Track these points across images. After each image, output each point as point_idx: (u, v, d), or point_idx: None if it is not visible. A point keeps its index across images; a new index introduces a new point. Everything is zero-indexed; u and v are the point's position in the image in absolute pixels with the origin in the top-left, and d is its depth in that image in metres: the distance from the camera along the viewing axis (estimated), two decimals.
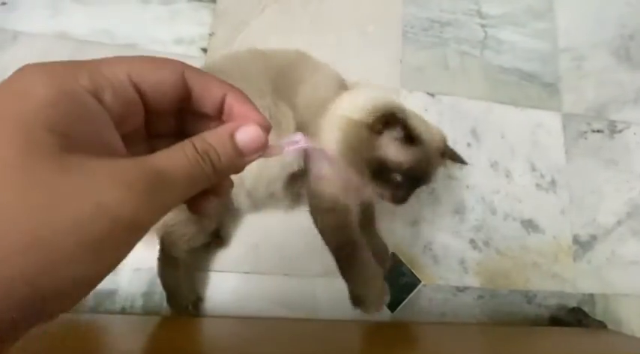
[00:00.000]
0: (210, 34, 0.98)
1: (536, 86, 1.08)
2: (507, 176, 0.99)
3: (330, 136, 0.66)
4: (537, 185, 1.00)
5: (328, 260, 0.86)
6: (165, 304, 0.79)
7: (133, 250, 0.22)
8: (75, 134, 0.21)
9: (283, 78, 0.74)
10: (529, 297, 0.92)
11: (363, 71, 1.01)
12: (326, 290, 0.86)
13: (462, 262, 0.92)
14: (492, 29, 1.12)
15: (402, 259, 0.89)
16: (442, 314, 0.88)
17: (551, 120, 1.06)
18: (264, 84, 0.73)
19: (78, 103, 0.22)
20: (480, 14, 1.13)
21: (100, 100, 0.23)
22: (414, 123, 0.63)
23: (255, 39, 0.99)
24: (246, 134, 0.25)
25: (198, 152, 0.24)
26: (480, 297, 0.90)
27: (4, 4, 0.92)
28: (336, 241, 0.70)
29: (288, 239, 0.88)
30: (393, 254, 0.90)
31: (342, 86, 0.78)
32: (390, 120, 0.61)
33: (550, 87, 1.09)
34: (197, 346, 0.69)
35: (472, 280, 0.91)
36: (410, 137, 0.62)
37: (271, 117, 0.72)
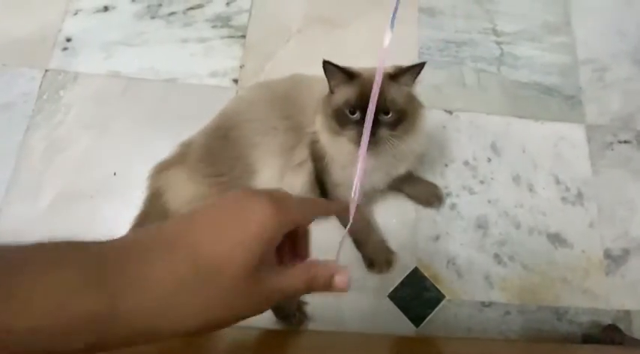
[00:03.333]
0: (241, 66, 0.91)
1: (557, 99, 0.92)
2: (530, 190, 0.84)
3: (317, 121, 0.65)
4: (563, 198, 0.84)
5: (352, 276, 0.76)
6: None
7: None
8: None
9: (288, 104, 0.69)
10: (559, 313, 0.76)
11: None
12: (351, 304, 0.74)
13: (487, 277, 0.77)
14: (508, 46, 0.97)
15: (425, 274, 0.77)
16: (468, 330, 0.74)
17: (574, 132, 0.89)
18: (276, 119, 0.68)
19: (281, 234, 0.26)
20: (495, 32, 0.98)
21: None
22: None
23: (281, 68, 0.90)
24: (342, 279, 0.29)
25: (310, 276, 0.28)
26: (507, 313, 0.76)
27: (65, 49, 0.90)
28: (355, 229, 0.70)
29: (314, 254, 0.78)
30: (416, 269, 0.77)
31: None
32: (327, 69, 0.58)
33: (571, 99, 0.92)
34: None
35: (498, 296, 0.76)
36: (348, 76, 0.59)
37: (282, 145, 0.67)
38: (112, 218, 0.76)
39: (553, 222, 0.81)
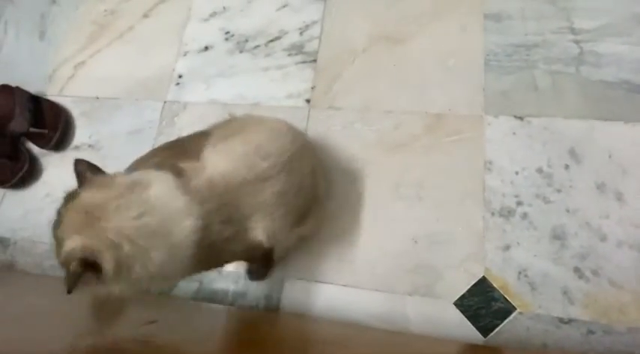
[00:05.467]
0: (312, 88, 0.92)
1: None
2: (619, 199, 0.69)
3: None
4: None
5: (416, 280, 0.71)
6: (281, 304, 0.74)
7: None
8: None
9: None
10: None
11: (446, 102, 0.83)
12: (416, 308, 0.70)
13: (566, 292, 0.66)
14: (589, 44, 0.81)
15: (494, 284, 0.68)
16: (544, 345, 0.64)
17: None
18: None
19: None
20: (572, 30, 0.83)
21: None
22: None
23: (348, 87, 0.89)
24: None
25: None
26: (591, 332, 0.63)
27: (178, 84, 1.02)
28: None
29: (379, 257, 0.75)
30: (484, 278, 0.69)
31: None
32: None
33: None
34: (299, 339, 0.61)
35: (579, 313, 0.64)
36: None
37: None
38: None
39: None
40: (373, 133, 0.84)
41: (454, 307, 0.68)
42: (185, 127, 0.96)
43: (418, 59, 0.88)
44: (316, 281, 0.76)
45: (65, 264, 0.40)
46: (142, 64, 1.05)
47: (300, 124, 0.86)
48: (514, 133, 0.78)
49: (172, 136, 0.95)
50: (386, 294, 0.72)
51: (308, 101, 0.90)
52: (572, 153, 0.74)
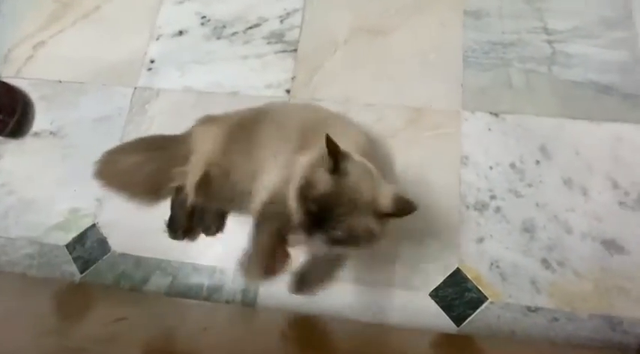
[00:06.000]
0: (293, 78, 0.89)
1: (615, 98, 0.78)
2: (584, 194, 0.73)
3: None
4: (621, 203, 0.71)
5: (394, 273, 0.72)
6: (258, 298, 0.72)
7: None
8: None
9: (314, 132, 0.60)
10: (613, 323, 0.65)
11: (425, 97, 0.84)
12: (393, 300, 0.71)
13: (534, 281, 0.69)
14: (560, 44, 0.84)
15: (468, 275, 0.70)
16: (512, 333, 0.67)
17: (634, 133, 0.75)
18: (296, 139, 0.63)
19: None
20: (546, 31, 0.86)
21: None
22: (348, 160, 0.49)
23: (328, 78, 0.88)
24: None
25: None
26: (555, 319, 0.67)
27: (150, 69, 0.96)
28: None
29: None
30: (458, 270, 0.71)
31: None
32: (330, 148, 0.47)
33: (632, 98, 0.78)
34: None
35: (545, 301, 0.67)
36: (336, 168, 0.47)
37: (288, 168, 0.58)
38: None
39: (609, 228, 0.70)
40: None
41: (430, 298, 0.70)
42: (157, 115, 0.91)
43: (399, 52, 0.88)
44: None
45: None
46: (110, 47, 0.98)
47: None
48: (489, 129, 0.80)
49: (143, 125, 0.90)
50: (364, 286, 0.72)
51: (288, 92, 0.88)
52: (543, 149, 0.76)
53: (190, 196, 0.72)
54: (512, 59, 0.84)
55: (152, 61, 0.96)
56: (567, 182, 0.74)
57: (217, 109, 0.89)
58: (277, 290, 0.74)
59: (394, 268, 0.72)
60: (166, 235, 0.76)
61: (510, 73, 0.83)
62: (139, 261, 0.78)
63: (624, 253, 0.68)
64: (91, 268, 0.79)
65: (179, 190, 0.75)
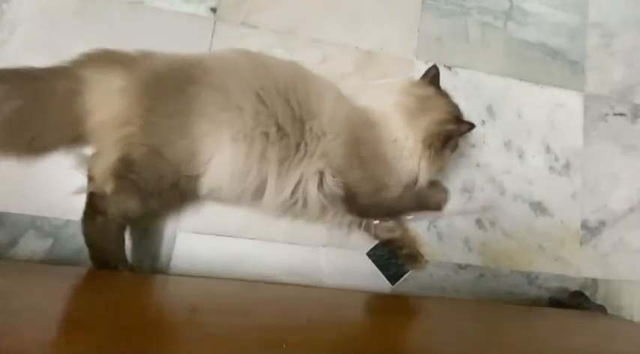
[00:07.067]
0: None
1: (560, 63, 0.78)
2: (520, 157, 0.73)
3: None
4: (551, 168, 0.73)
5: (331, 232, 0.65)
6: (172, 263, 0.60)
7: None
8: None
9: (286, 96, 0.55)
10: (530, 278, 0.69)
11: (378, 40, 0.73)
12: (330, 260, 0.65)
13: (467, 241, 0.68)
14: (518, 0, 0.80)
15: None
16: (442, 289, 0.67)
17: (572, 100, 0.77)
18: (246, 100, 0.53)
19: None
20: None
21: None
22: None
23: (266, 3, 0.71)
24: None
25: None
26: (481, 275, 0.68)
27: None
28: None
29: None
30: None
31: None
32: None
33: (575, 65, 0.79)
34: (205, 303, 0.50)
35: (475, 259, 0.68)
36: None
37: (245, 134, 0.52)
38: None
39: (538, 191, 0.72)
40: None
41: (366, 257, 0.65)
42: (21, 21, 0.65)
43: None
44: (217, 235, 0.63)
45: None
46: None
47: (202, 40, 0.66)
48: (441, 83, 0.74)
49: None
50: (299, 246, 0.64)
51: (214, 11, 0.69)
52: (490, 110, 0.74)
53: (104, 187, 0.50)
54: (472, 9, 0.78)
55: None
56: (507, 144, 0.73)
57: (111, 24, 0.66)
58: (195, 253, 0.62)
59: (332, 227, 0.66)
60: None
61: (468, 24, 0.77)
62: (1, 218, 0.58)
63: (547, 215, 0.71)
64: None
65: (92, 207, 0.52)
